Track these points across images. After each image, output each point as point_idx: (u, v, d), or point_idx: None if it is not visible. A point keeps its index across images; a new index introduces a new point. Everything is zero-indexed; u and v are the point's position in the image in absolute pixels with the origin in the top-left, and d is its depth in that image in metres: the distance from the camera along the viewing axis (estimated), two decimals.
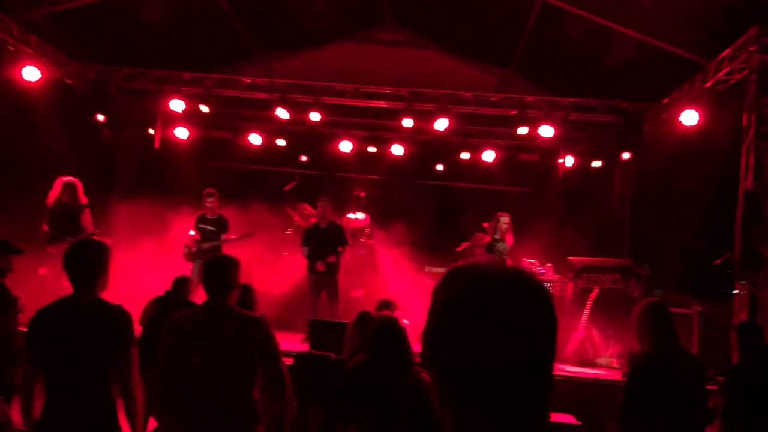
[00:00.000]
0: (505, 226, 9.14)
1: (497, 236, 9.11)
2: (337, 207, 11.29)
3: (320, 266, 9.36)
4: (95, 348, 3.30)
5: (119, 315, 3.42)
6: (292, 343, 8.42)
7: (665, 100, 10.00)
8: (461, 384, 1.15)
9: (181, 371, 3.41)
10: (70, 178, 8.79)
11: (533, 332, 1.15)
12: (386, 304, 5.45)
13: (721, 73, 8.49)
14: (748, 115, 7.85)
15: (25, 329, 3.42)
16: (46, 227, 8.60)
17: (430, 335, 1.20)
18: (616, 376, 7.78)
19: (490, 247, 9.05)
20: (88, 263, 3.45)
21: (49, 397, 3.30)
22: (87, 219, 8.79)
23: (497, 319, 1.13)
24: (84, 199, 8.82)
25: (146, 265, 9.64)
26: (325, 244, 9.44)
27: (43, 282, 7.97)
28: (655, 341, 4.13)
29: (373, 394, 3.64)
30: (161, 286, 7.36)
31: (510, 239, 9.17)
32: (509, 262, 8.74)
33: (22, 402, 3.33)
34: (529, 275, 1.21)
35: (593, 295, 9.13)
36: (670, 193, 10.25)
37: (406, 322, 4.55)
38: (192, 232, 9.62)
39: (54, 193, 8.68)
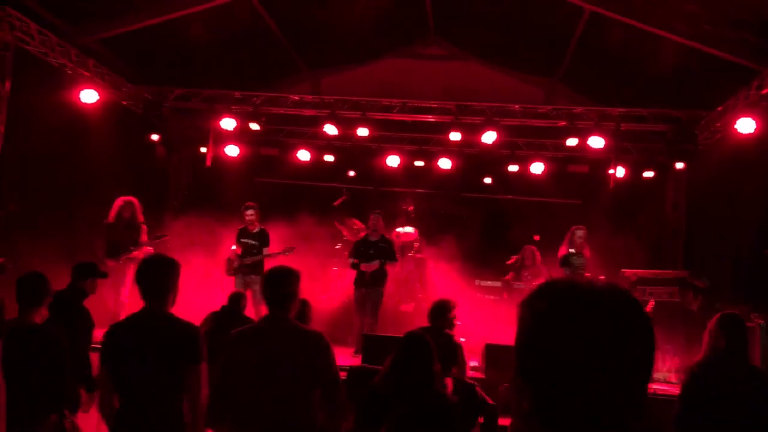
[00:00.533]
0: (581, 239, 8.99)
1: (572, 249, 8.95)
2: (386, 221, 11.35)
3: (366, 267, 9.34)
4: (167, 364, 3.37)
5: (191, 332, 3.51)
6: (343, 357, 8.46)
7: (719, 108, 9.77)
8: (554, 399, 1.15)
9: (238, 385, 3.45)
10: (130, 198, 9.11)
11: (630, 349, 1.14)
12: (445, 306, 5.43)
13: None
14: None
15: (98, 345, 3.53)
16: (104, 243, 8.89)
17: (524, 348, 1.21)
18: (675, 390, 7.59)
19: (565, 261, 8.87)
20: (159, 279, 3.56)
21: (122, 409, 3.39)
22: (144, 237, 9.10)
23: (594, 335, 1.14)
24: (142, 218, 9.14)
25: (199, 279, 9.83)
26: (372, 256, 9.45)
27: (101, 300, 8.18)
28: (718, 352, 3.99)
29: (393, 401, 3.64)
30: (214, 300, 7.50)
31: (587, 252, 9.00)
32: (587, 276, 8.61)
33: (106, 421, 3.45)
34: (626, 292, 1.21)
35: (649, 308, 8.94)
36: (727, 202, 9.99)
37: (462, 339, 4.53)
38: (234, 247, 9.75)
39: (114, 210, 9.00)
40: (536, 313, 1.21)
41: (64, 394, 4.19)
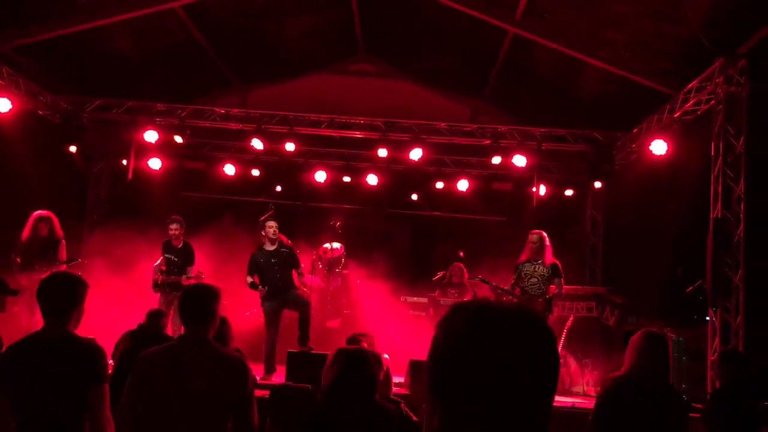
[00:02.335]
0: (534, 244, 8.44)
1: (531, 257, 8.46)
2: (312, 237, 11.31)
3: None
4: (67, 385, 3.19)
5: (92, 350, 3.30)
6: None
7: (635, 130, 10.17)
8: (463, 415, 1.20)
9: (148, 411, 3.25)
10: (47, 212, 8.65)
11: (535, 367, 1.21)
12: (355, 340, 5.38)
13: (688, 104, 8.68)
14: (715, 144, 8.03)
15: None
16: (17, 258, 8.46)
17: (436, 365, 1.25)
18: (593, 404, 7.79)
19: (515, 269, 8.62)
20: (62, 296, 3.35)
21: None
22: (62, 252, 8.68)
23: (501, 353, 1.19)
24: (60, 233, 8.71)
25: (118, 296, 9.52)
26: (274, 264, 8.74)
27: (14, 319, 7.81)
28: (635, 368, 4.01)
29: (333, 423, 3.57)
30: (132, 317, 7.25)
31: (548, 259, 8.45)
32: (552, 284, 8.46)
33: None
34: (532, 312, 1.27)
35: (568, 323, 9.18)
36: (643, 221, 10.37)
37: (386, 356, 4.51)
38: (158, 261, 9.43)
39: (29, 225, 8.53)
40: (448, 332, 1.26)
41: None
